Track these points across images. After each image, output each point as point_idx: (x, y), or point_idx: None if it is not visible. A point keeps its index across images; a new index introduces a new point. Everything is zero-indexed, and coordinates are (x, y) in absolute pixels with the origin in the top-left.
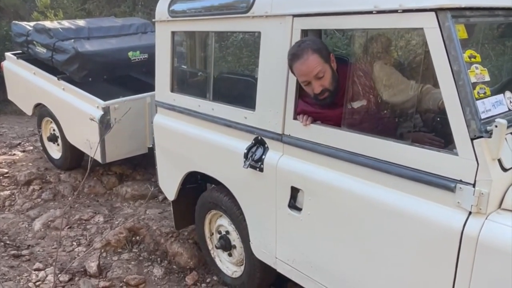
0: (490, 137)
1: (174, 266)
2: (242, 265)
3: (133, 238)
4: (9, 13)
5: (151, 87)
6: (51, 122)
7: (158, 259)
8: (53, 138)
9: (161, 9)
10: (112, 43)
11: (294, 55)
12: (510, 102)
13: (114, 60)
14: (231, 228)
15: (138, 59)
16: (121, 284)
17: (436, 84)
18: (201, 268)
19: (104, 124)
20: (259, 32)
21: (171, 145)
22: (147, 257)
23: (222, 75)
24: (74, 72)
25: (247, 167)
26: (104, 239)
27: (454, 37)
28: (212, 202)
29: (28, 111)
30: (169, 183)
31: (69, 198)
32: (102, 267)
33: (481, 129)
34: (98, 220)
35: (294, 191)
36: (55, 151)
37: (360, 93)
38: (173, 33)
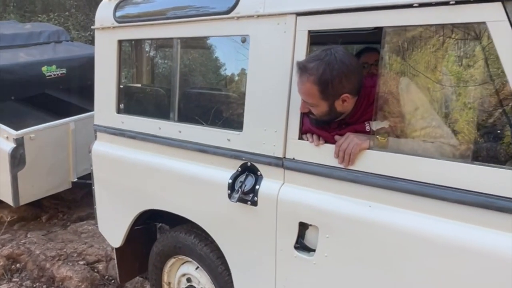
0: None
1: None
2: None
3: (13, 266)
4: None
5: (71, 107)
6: None
7: (44, 286)
8: None
9: (104, 14)
10: (21, 56)
11: (299, 68)
12: None
13: (24, 77)
14: (204, 280)
15: (54, 75)
16: None
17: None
18: None
19: (17, 159)
20: (247, 36)
21: (119, 179)
22: (30, 285)
23: (191, 90)
24: None
25: (235, 201)
26: None
27: None
28: (177, 246)
29: None
30: (115, 226)
31: None
32: None
33: None
34: None
35: (303, 228)
36: None
37: (381, 113)
38: (120, 42)
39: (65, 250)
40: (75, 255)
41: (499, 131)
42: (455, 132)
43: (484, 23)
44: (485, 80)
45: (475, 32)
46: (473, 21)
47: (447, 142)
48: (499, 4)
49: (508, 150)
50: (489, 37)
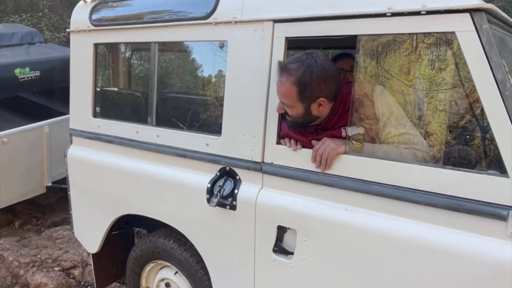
0: None
1: None
2: None
3: None
4: None
5: (45, 110)
6: None
7: None
8: None
9: (79, 17)
10: None
11: (279, 67)
12: None
13: None
14: (183, 284)
15: (27, 77)
16: None
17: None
18: None
19: None
20: (225, 42)
21: (95, 184)
22: None
23: (169, 94)
24: None
25: (214, 205)
26: None
27: (493, 42)
28: (156, 251)
29: None
30: (91, 232)
31: None
32: None
33: None
34: None
35: (281, 232)
36: None
37: (357, 119)
38: (96, 45)
39: (39, 256)
40: (50, 261)
41: (468, 135)
42: (427, 134)
43: (453, 32)
44: (455, 84)
45: (446, 37)
46: (443, 30)
47: (419, 148)
48: (467, 15)
49: (478, 152)
50: (458, 44)
